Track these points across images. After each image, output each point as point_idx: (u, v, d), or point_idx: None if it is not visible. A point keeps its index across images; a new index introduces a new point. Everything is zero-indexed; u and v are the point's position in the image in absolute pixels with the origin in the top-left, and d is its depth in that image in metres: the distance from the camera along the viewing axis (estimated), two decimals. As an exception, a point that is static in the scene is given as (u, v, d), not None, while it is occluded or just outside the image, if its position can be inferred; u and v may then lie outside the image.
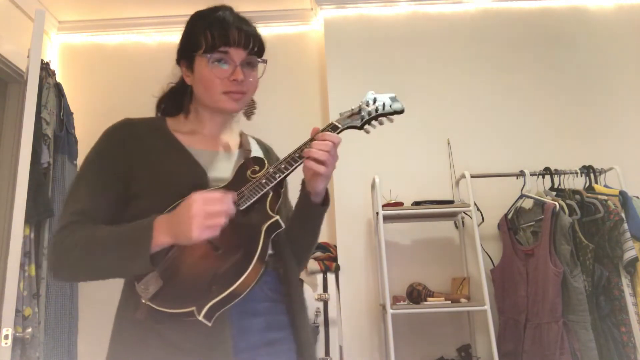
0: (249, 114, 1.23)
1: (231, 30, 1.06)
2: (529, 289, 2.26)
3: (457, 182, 2.63)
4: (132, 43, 3.10)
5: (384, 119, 1.12)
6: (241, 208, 0.96)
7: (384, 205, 2.43)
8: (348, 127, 1.10)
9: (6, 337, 1.64)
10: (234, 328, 0.96)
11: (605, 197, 2.28)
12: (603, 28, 2.92)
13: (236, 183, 1.02)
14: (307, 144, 1.03)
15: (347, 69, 2.88)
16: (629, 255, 2.13)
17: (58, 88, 2.59)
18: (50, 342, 2.28)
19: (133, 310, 0.96)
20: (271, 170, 1.01)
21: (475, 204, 2.40)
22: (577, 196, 2.32)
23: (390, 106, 1.12)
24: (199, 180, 1.02)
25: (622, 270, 2.17)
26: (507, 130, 2.78)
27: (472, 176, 2.43)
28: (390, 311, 2.24)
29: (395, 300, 2.39)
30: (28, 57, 1.98)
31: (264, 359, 0.99)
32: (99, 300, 2.67)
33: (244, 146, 1.17)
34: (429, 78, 2.88)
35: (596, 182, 2.48)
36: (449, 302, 2.30)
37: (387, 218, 2.49)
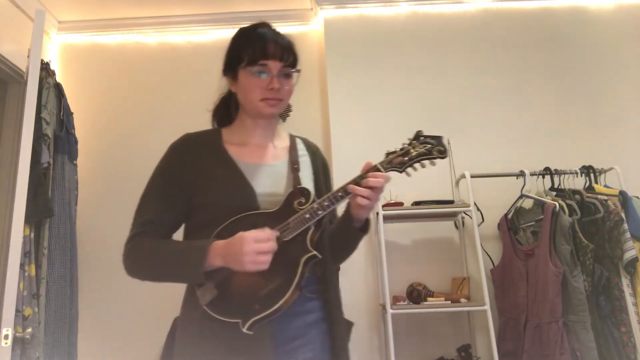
0: (284, 117, 1.41)
1: (269, 45, 1.20)
2: (529, 289, 2.26)
3: (457, 182, 2.63)
4: (132, 43, 3.10)
5: (426, 161, 1.16)
6: (285, 239, 1.09)
7: (384, 205, 2.43)
8: (390, 170, 1.16)
9: (6, 337, 1.64)
10: (274, 329, 1.11)
11: (605, 197, 2.28)
12: (603, 28, 2.92)
13: (284, 211, 1.13)
14: (355, 180, 1.12)
15: (347, 69, 2.88)
16: (629, 255, 2.13)
17: (58, 88, 2.59)
18: (50, 342, 2.27)
19: (193, 308, 1.14)
20: (315, 206, 1.11)
21: (475, 204, 2.40)
22: (577, 196, 2.32)
23: (434, 150, 1.15)
24: (249, 200, 1.16)
25: (622, 270, 2.17)
26: (507, 130, 2.78)
27: (472, 176, 2.43)
28: (390, 311, 2.24)
29: (395, 300, 2.39)
30: (28, 57, 1.98)
31: (302, 352, 1.14)
32: (99, 300, 2.68)
33: (291, 153, 1.29)
34: (429, 78, 2.87)
35: (596, 182, 2.48)
36: (449, 302, 2.30)
37: (387, 218, 2.49)
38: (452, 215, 2.60)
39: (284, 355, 1.12)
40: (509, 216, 2.45)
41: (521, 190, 2.44)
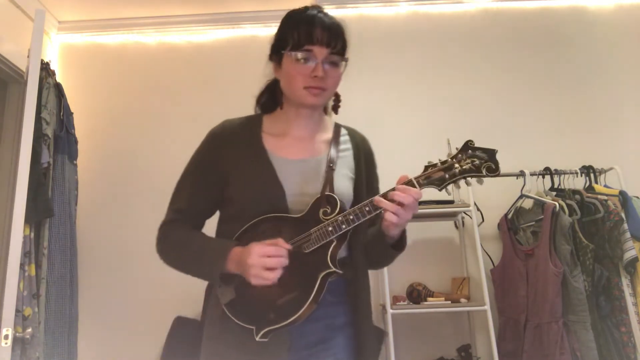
0: (336, 108, 1.29)
1: (315, 29, 1.13)
2: (529, 289, 2.26)
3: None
4: (132, 43, 3.10)
5: (472, 179, 1.03)
6: (306, 251, 1.05)
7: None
8: (427, 187, 1.04)
9: (6, 337, 1.64)
10: (292, 334, 1.08)
11: (605, 197, 2.28)
12: (603, 28, 2.91)
13: (308, 219, 1.08)
14: (386, 193, 1.04)
15: (347, 69, 2.87)
16: (629, 255, 2.13)
17: (58, 88, 2.59)
18: (50, 342, 2.28)
19: (216, 306, 1.14)
20: (340, 219, 1.04)
21: (475, 204, 2.40)
22: (577, 196, 2.32)
23: (483, 167, 1.02)
24: (278, 201, 1.11)
25: (622, 270, 2.17)
26: (507, 130, 2.77)
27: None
28: (390, 311, 2.24)
29: (395, 300, 2.38)
30: (28, 57, 1.98)
31: (323, 357, 1.11)
32: (99, 300, 2.68)
33: (331, 149, 1.20)
34: (429, 78, 2.87)
35: (596, 182, 2.48)
36: (449, 302, 2.30)
37: (387, 218, 2.48)
38: (452, 215, 2.60)
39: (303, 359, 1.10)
40: (509, 216, 2.45)
41: (521, 190, 2.44)
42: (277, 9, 3.04)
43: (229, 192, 1.16)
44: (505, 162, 2.69)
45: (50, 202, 2.35)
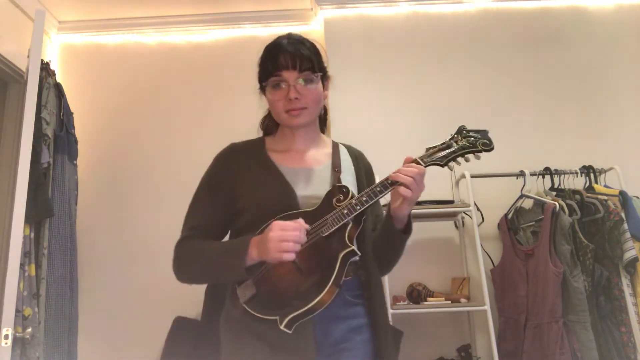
0: (322, 126, 1.39)
1: (280, 56, 1.19)
2: (529, 289, 2.26)
3: (457, 182, 2.62)
4: (132, 43, 3.10)
5: (470, 155, 1.16)
6: (324, 235, 1.09)
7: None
8: (431, 164, 1.15)
9: (6, 337, 1.64)
10: (317, 331, 1.11)
11: (605, 197, 2.28)
12: (603, 28, 2.91)
13: (323, 209, 1.13)
14: (397, 171, 1.12)
15: (347, 69, 2.88)
16: (629, 255, 2.13)
17: (58, 88, 2.59)
18: (50, 342, 2.27)
19: (234, 307, 1.15)
20: (353, 201, 1.10)
21: (475, 204, 2.40)
22: (577, 196, 2.32)
23: (478, 143, 1.16)
24: (289, 201, 1.16)
25: (622, 270, 2.17)
26: (507, 130, 2.77)
27: (472, 176, 2.43)
28: (390, 311, 2.24)
29: (395, 300, 2.39)
30: (28, 57, 1.98)
31: (345, 357, 1.13)
32: (99, 300, 2.68)
33: (333, 158, 1.30)
34: (428, 78, 2.87)
35: (596, 182, 2.48)
36: (449, 302, 2.30)
37: (387, 218, 2.49)
38: (452, 215, 2.60)
39: (328, 359, 1.12)
40: (509, 216, 2.45)
41: (521, 190, 2.44)
42: (277, 9, 3.05)
43: (239, 204, 1.20)
44: (505, 162, 2.73)
45: (50, 202, 2.35)
